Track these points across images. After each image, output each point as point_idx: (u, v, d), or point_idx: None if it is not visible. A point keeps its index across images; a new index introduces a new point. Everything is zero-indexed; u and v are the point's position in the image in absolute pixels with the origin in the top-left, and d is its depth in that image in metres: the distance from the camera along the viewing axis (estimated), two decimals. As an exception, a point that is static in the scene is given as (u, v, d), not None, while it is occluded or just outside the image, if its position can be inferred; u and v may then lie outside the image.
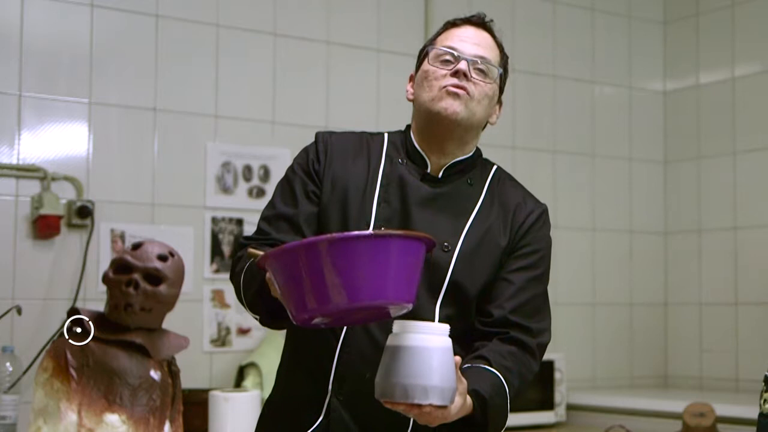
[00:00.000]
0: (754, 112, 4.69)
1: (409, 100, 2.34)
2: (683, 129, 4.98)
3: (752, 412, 3.72)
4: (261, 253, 1.84)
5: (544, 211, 2.32)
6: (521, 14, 4.65)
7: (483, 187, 2.29)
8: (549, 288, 2.35)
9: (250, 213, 3.92)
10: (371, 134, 2.36)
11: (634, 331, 4.91)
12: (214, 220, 3.86)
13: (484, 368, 2.08)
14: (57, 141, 3.60)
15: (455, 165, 2.27)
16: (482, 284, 2.22)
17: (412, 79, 2.34)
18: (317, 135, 2.33)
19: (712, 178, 4.83)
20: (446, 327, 1.85)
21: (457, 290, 2.18)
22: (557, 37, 4.78)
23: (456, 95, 2.20)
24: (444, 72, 2.22)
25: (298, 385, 2.24)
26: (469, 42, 2.24)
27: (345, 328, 2.16)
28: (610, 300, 4.86)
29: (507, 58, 2.32)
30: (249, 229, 3.90)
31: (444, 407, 1.84)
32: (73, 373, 1.73)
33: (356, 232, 1.76)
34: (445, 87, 2.21)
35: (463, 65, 2.21)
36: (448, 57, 2.23)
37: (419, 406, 1.82)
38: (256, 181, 3.95)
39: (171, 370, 1.86)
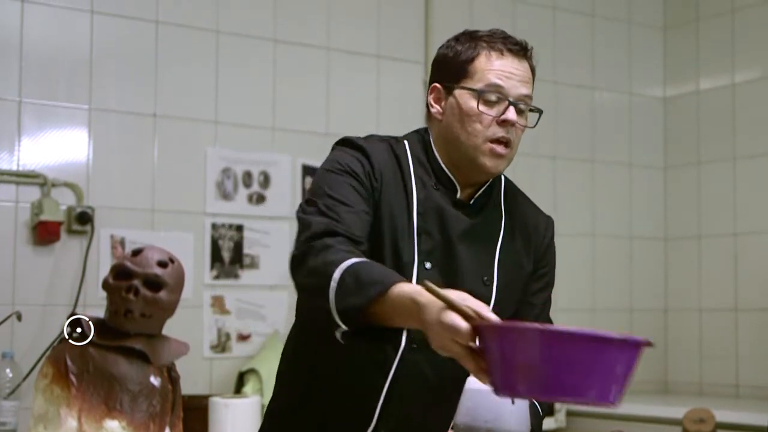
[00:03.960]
0: (754, 117, 4.69)
1: (437, 119, 2.19)
2: (683, 135, 4.98)
3: (752, 418, 3.73)
4: (439, 291, 1.67)
5: (552, 224, 2.33)
6: (521, 20, 4.65)
7: (501, 207, 2.24)
8: (549, 292, 2.38)
9: (250, 219, 3.92)
10: (395, 142, 2.21)
11: (634, 337, 4.90)
12: (214, 226, 3.86)
13: None
14: (57, 147, 3.60)
15: (484, 190, 2.21)
16: (513, 311, 2.20)
17: (434, 90, 2.20)
18: (359, 145, 2.14)
19: (712, 183, 4.83)
20: None
21: None
22: (557, 43, 4.78)
23: (501, 156, 2.11)
24: (489, 117, 2.10)
25: (331, 420, 2.16)
26: (516, 79, 2.12)
27: (394, 367, 2.10)
28: (610, 306, 4.85)
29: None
30: (249, 235, 3.90)
31: None
32: (73, 379, 1.72)
33: (603, 333, 1.70)
34: (490, 141, 2.10)
35: (511, 114, 2.10)
36: (493, 97, 2.11)
37: None
38: (256, 187, 3.95)
39: (171, 376, 1.86)
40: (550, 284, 2.32)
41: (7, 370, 3.34)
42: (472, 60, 2.13)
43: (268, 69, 4.03)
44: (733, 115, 4.76)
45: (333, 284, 1.83)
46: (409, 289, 1.74)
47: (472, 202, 2.18)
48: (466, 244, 2.14)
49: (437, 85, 2.19)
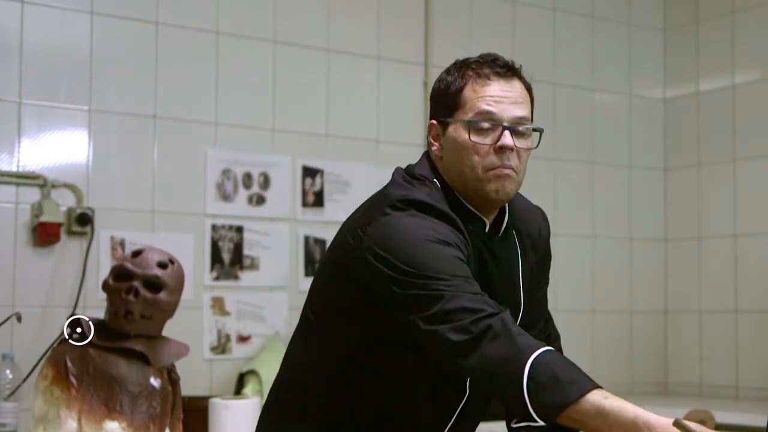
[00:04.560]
0: (754, 119, 4.69)
1: (439, 156, 2.12)
2: (683, 136, 4.98)
3: (752, 420, 3.73)
4: (689, 427, 1.71)
5: (547, 218, 2.33)
6: (521, 21, 4.66)
7: (510, 225, 2.19)
8: (549, 295, 2.40)
9: (250, 220, 3.92)
10: (434, 187, 2.11)
11: (634, 339, 4.91)
12: (214, 228, 3.86)
13: None
14: (57, 148, 3.60)
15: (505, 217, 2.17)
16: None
17: (432, 128, 2.13)
18: (445, 213, 2.03)
19: (712, 185, 4.83)
20: None
21: None
22: (557, 45, 4.78)
23: (505, 177, 2.05)
24: (485, 146, 2.04)
25: None
26: (507, 102, 2.05)
27: (459, 410, 2.14)
28: (610, 307, 4.85)
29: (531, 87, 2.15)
30: (249, 237, 3.90)
31: None
32: (73, 380, 1.73)
33: None
34: (490, 170, 2.04)
35: (507, 140, 2.04)
36: (486, 125, 2.04)
37: None
38: (256, 188, 3.95)
39: (171, 378, 1.86)
40: (548, 278, 2.35)
41: (7, 372, 3.34)
42: (460, 90, 2.08)
43: (268, 70, 4.03)
44: (733, 117, 4.76)
45: (525, 377, 1.79)
46: (629, 410, 1.78)
47: (500, 234, 2.14)
48: (501, 282, 2.11)
49: (434, 121, 2.13)
